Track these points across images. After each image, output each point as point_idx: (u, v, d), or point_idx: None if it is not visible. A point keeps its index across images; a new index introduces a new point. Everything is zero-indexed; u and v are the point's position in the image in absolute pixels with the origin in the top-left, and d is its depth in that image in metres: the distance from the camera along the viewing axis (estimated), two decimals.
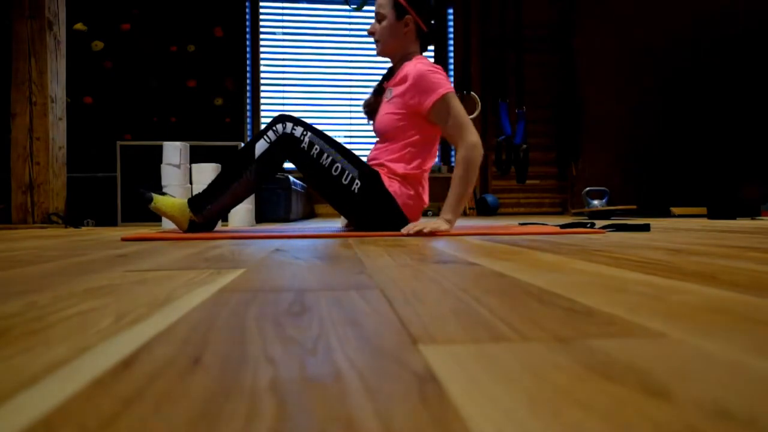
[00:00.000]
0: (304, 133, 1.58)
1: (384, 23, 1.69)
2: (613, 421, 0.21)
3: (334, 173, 1.59)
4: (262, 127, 4.42)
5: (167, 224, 2.38)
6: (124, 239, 1.45)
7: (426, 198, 1.75)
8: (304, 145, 1.57)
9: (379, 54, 1.76)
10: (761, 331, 0.36)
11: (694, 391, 0.25)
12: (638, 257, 0.86)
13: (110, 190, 3.15)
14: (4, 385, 0.26)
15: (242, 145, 3.16)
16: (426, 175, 1.75)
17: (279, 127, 1.58)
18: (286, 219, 3.43)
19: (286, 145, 1.57)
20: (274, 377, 0.27)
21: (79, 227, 2.67)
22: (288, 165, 4.77)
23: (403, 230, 1.50)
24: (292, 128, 1.58)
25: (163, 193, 1.72)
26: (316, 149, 1.58)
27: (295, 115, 4.87)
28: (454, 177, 1.57)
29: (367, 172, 1.63)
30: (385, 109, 1.72)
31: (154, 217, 2.99)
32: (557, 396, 0.24)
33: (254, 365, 0.29)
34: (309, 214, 4.54)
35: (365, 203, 1.62)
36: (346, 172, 1.60)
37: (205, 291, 0.55)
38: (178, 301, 0.49)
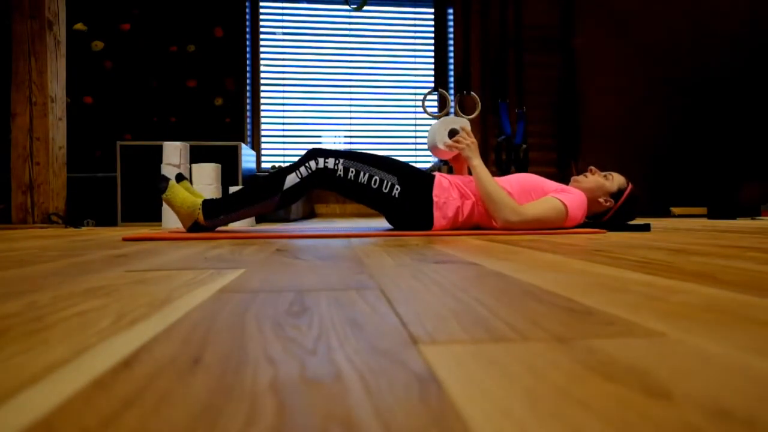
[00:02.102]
0: (337, 162, 1.67)
1: (605, 182, 1.81)
2: (613, 421, 0.21)
3: (374, 186, 1.68)
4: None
5: (167, 224, 2.38)
6: (125, 239, 1.45)
7: (461, 220, 1.76)
8: (340, 173, 1.66)
9: (574, 183, 1.86)
10: (761, 331, 0.36)
11: (694, 390, 0.25)
12: (638, 257, 0.86)
13: (110, 190, 3.15)
14: (4, 385, 0.26)
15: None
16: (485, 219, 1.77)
17: (312, 163, 1.66)
18: (286, 219, 3.43)
19: (323, 178, 1.67)
20: (275, 377, 0.27)
21: (79, 227, 2.67)
22: None
23: (447, 142, 1.81)
24: (325, 162, 1.66)
25: (184, 178, 1.77)
26: (352, 172, 1.67)
27: (295, 115, 4.87)
28: (500, 191, 1.67)
29: (407, 172, 1.71)
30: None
31: (154, 217, 2.99)
32: (557, 396, 0.24)
33: (254, 365, 0.29)
34: (309, 214, 4.54)
35: (404, 204, 1.70)
36: (385, 181, 1.68)
37: (205, 291, 0.55)
38: (178, 301, 0.49)
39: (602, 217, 1.85)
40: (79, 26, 4.31)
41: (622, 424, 0.21)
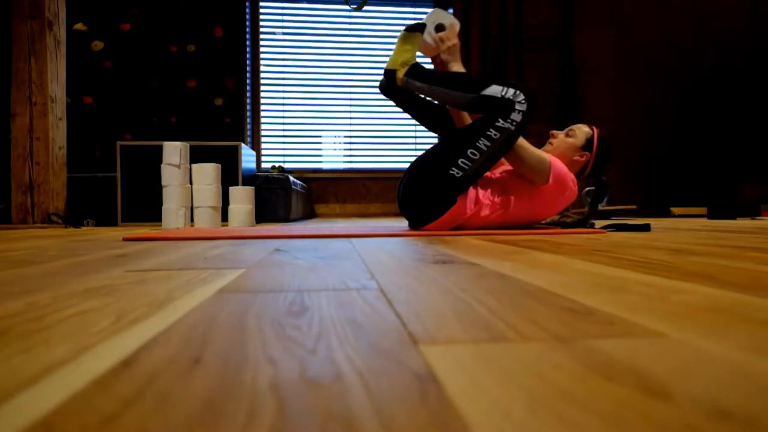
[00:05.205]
0: (513, 122, 1.57)
1: (570, 140, 1.81)
2: (612, 421, 0.21)
3: (467, 153, 1.60)
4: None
5: (167, 224, 2.38)
6: (125, 239, 1.45)
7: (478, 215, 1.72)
8: (500, 124, 1.57)
9: (546, 151, 1.83)
10: (761, 331, 0.36)
11: (694, 391, 0.25)
12: (638, 257, 0.86)
13: (110, 190, 3.15)
14: (4, 385, 0.26)
15: (243, 145, 3.15)
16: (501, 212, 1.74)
17: (517, 97, 1.58)
18: (286, 219, 3.43)
19: (499, 107, 1.57)
20: (274, 377, 0.27)
21: (79, 227, 2.67)
22: (294, 166, 4.77)
23: (433, 34, 1.72)
24: (518, 112, 1.57)
25: (422, 28, 1.73)
26: (496, 135, 1.58)
27: (295, 115, 4.87)
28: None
29: (477, 169, 1.65)
30: None
31: (154, 217, 2.99)
32: (557, 396, 0.24)
33: (254, 365, 0.29)
34: (309, 214, 4.54)
35: (447, 179, 1.63)
36: (468, 162, 1.61)
37: (205, 291, 0.55)
38: (178, 301, 0.49)
39: (585, 171, 1.84)
40: (79, 26, 4.32)
41: (622, 424, 0.21)
